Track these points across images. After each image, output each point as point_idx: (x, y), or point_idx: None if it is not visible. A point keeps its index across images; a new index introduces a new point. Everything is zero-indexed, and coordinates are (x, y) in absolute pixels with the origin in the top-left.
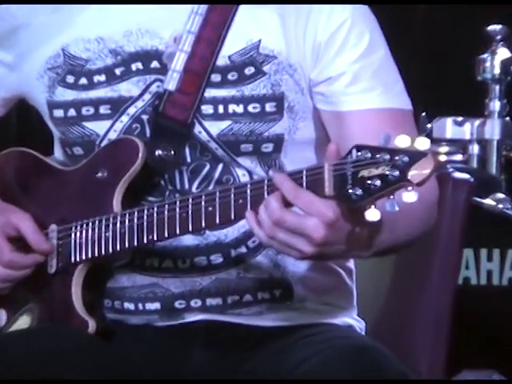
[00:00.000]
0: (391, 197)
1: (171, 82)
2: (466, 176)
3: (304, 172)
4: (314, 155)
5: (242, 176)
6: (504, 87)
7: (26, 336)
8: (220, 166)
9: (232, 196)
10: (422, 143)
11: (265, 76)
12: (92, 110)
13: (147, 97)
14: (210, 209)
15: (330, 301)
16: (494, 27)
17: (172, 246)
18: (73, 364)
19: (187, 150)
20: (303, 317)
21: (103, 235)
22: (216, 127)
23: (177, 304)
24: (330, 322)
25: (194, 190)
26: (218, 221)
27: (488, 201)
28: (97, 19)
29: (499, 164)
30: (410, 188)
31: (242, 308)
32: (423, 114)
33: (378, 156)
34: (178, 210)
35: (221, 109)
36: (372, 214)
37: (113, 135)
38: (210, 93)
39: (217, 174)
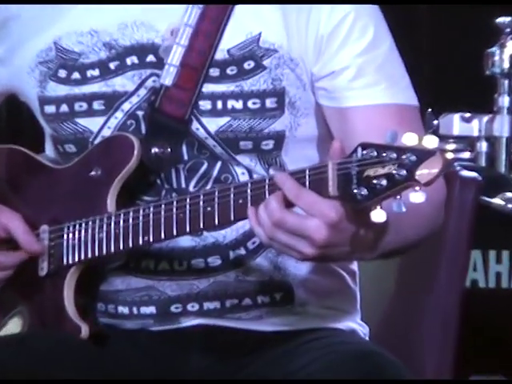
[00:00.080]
0: (398, 197)
1: (168, 77)
2: (473, 174)
3: (307, 171)
4: (316, 153)
5: (242, 175)
6: None
7: (16, 342)
8: (218, 164)
9: (232, 196)
10: (430, 141)
11: (265, 70)
12: (85, 106)
13: (143, 92)
14: (209, 209)
15: (333, 305)
16: (503, 19)
17: (168, 247)
18: (65, 371)
19: (184, 148)
20: (304, 321)
21: (97, 236)
22: (214, 124)
23: (173, 308)
24: (333, 327)
25: (191, 189)
26: (216, 221)
27: (497, 200)
28: (90, 11)
29: (508, 162)
30: (417, 188)
31: (241, 312)
32: (429, 109)
33: (384, 155)
34: (174, 210)
35: (219, 105)
36: (377, 215)
37: (107, 132)
38: (208, 88)
39: (215, 173)
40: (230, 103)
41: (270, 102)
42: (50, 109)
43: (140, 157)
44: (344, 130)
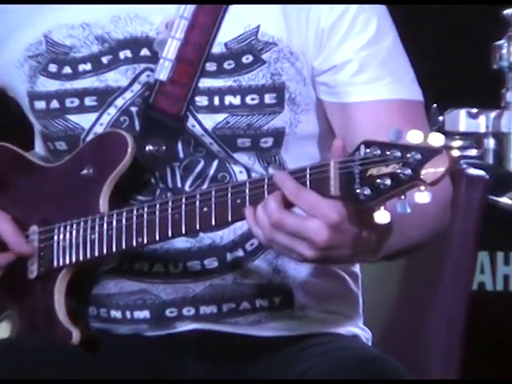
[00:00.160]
0: (402, 197)
1: (162, 72)
2: (480, 172)
3: (307, 170)
4: (317, 151)
5: (239, 173)
6: None
7: (4, 347)
8: (215, 163)
9: (229, 195)
10: (436, 139)
11: (264, 65)
12: (76, 102)
13: (136, 87)
14: (205, 209)
15: (334, 309)
16: (511, 11)
17: (163, 249)
18: (55, 378)
19: (180, 145)
20: (304, 326)
21: (88, 238)
22: (211, 120)
23: (168, 312)
24: (334, 332)
25: (187, 188)
26: (213, 222)
27: (505, 199)
28: (82, 3)
29: None
30: (422, 188)
31: (239, 317)
32: (434, 105)
33: (388, 153)
34: (170, 210)
35: (216, 100)
36: (381, 216)
37: (99, 129)
38: (204, 83)
39: (212, 171)
40: (228, 99)
41: (269, 98)
42: (40, 105)
43: (134, 155)
44: (346, 127)
